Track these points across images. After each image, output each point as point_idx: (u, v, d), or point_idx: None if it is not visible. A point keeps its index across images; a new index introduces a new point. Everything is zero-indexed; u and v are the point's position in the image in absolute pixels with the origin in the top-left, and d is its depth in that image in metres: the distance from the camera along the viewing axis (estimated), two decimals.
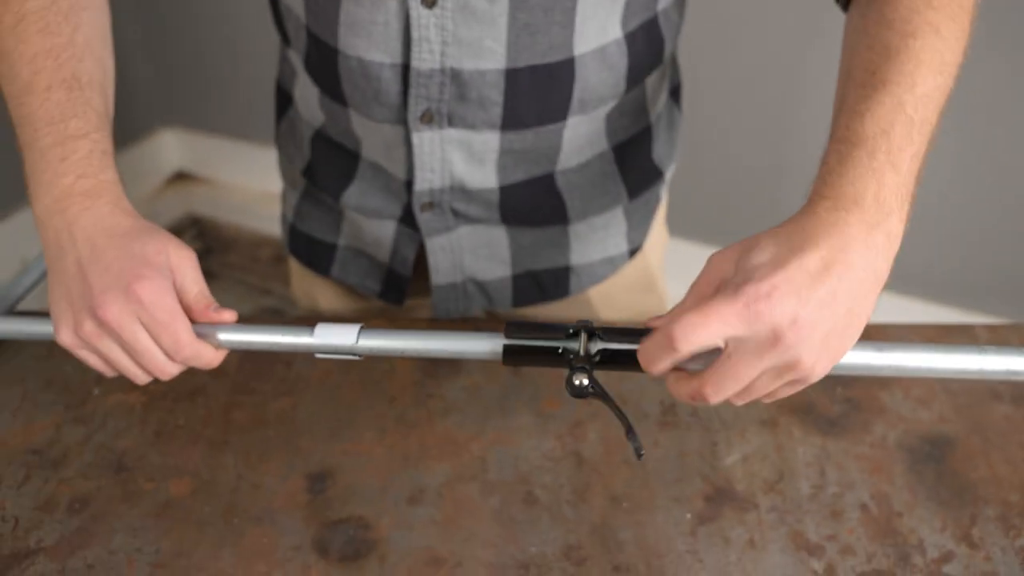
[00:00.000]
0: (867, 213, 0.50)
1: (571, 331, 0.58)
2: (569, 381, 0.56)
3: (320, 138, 0.82)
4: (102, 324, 0.57)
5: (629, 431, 0.55)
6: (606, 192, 0.81)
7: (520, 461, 0.72)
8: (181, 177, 2.59)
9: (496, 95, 0.68)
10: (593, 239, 0.83)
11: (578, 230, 0.82)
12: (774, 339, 0.48)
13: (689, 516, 0.67)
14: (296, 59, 0.77)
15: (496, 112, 0.69)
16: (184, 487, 0.70)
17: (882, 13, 0.58)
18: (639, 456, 0.54)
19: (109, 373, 0.62)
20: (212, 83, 2.32)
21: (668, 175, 0.86)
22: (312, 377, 0.80)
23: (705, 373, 0.51)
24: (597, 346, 0.57)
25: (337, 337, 0.61)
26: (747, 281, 0.48)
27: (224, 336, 0.62)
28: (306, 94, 0.79)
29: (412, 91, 0.68)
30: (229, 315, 0.61)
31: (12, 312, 0.80)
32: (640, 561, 0.64)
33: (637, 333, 0.57)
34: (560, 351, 0.58)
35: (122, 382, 0.79)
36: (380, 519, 0.67)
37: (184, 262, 0.60)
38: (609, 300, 0.88)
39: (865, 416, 0.76)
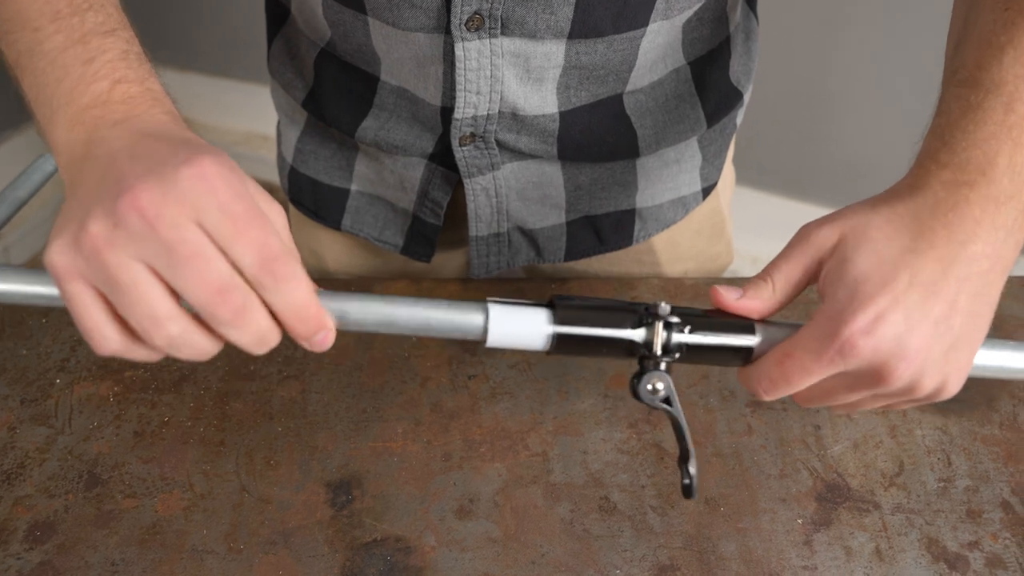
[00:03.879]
0: (995, 186, 0.42)
1: (646, 318, 0.45)
2: (639, 383, 0.45)
3: (326, 58, 0.66)
4: (124, 222, 0.35)
5: (686, 459, 0.47)
6: (682, 118, 0.67)
7: (589, 457, 0.60)
8: None
9: None
10: (664, 176, 0.70)
11: (647, 165, 0.68)
12: (879, 376, 0.43)
13: (800, 521, 0.58)
14: None
15: (565, 14, 0.54)
16: (174, 504, 0.57)
17: None
18: (686, 495, 0.47)
19: (107, 341, 0.38)
20: (190, 17, 2.18)
21: (746, 98, 0.72)
22: (324, 356, 0.66)
23: (799, 392, 0.46)
24: (680, 339, 0.45)
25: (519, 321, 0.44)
26: (847, 307, 0.42)
27: (336, 305, 0.42)
28: (309, 2, 0.63)
29: None
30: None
31: None
32: None
33: (721, 322, 0.46)
34: (629, 343, 0.45)
35: (91, 368, 0.65)
36: (423, 538, 0.55)
37: (275, 214, 0.41)
38: (675, 248, 0.76)
39: (988, 389, 0.66)
